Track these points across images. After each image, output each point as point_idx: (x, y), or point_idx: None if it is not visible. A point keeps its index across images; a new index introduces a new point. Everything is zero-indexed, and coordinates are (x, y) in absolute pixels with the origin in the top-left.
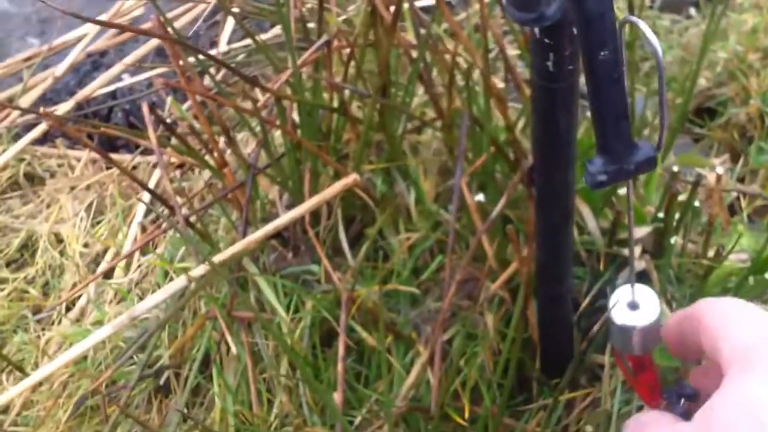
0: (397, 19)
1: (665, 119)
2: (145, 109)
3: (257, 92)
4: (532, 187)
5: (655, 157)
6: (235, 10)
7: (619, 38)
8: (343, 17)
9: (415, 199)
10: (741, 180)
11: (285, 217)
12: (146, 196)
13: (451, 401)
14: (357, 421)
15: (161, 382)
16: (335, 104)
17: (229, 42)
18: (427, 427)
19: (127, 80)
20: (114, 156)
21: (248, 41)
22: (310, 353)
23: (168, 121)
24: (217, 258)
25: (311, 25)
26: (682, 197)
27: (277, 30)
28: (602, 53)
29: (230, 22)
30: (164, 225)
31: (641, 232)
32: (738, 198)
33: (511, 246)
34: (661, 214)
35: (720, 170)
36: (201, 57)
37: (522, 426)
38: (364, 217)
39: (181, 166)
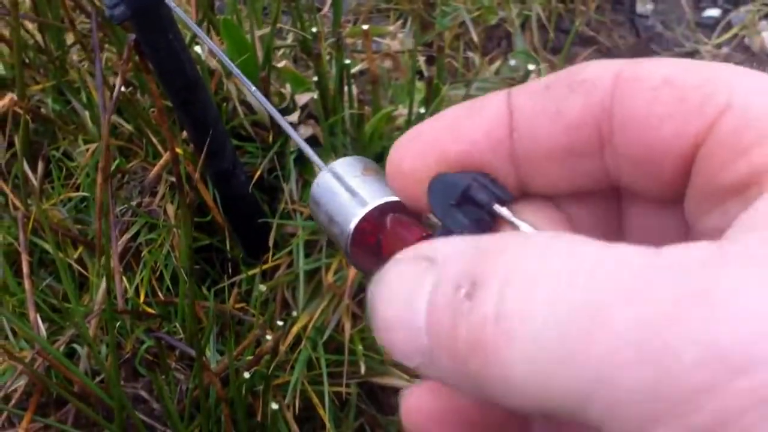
0: None
1: None
2: None
3: None
4: (144, 60)
5: None
6: None
7: None
8: None
9: (89, 111)
10: (430, 45)
11: None
12: None
13: (153, 297)
14: (65, 337)
15: None
16: None
17: None
18: (128, 325)
19: None
20: None
21: None
22: (14, 282)
23: None
24: None
25: None
26: (360, 66)
27: None
28: None
29: None
30: None
31: (304, 98)
32: (428, 61)
33: (162, 130)
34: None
35: (399, 35)
36: None
37: (216, 305)
38: (51, 141)
39: None
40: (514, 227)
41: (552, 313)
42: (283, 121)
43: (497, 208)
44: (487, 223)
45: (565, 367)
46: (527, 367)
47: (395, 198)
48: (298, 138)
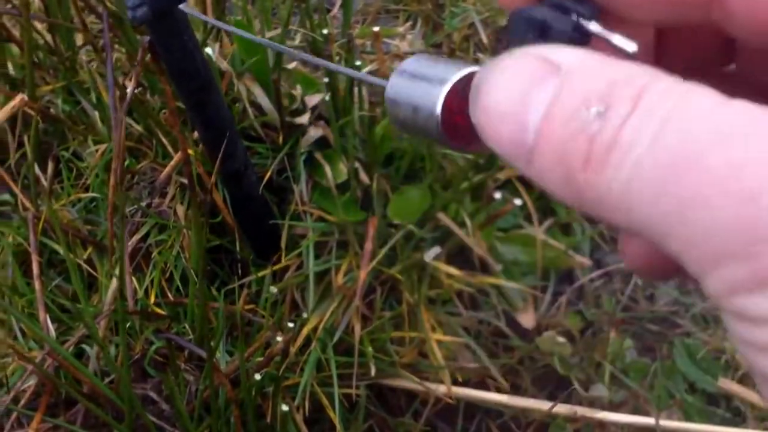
0: None
1: None
2: None
3: None
4: (158, 61)
5: None
6: None
7: None
8: None
9: (99, 111)
10: (438, 45)
11: None
12: None
13: (162, 298)
14: (74, 338)
15: None
16: None
17: None
18: (137, 326)
19: None
20: None
21: None
22: (23, 283)
23: None
24: None
25: None
26: (370, 67)
27: None
28: None
29: None
30: None
31: (314, 99)
32: None
33: (174, 131)
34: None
35: (409, 36)
36: None
37: (226, 306)
38: (61, 141)
39: None
40: (607, 41)
41: (655, 146)
42: (336, 66)
43: (585, 23)
44: (579, 40)
45: (654, 195)
46: (623, 187)
47: (474, 68)
48: (352, 72)
